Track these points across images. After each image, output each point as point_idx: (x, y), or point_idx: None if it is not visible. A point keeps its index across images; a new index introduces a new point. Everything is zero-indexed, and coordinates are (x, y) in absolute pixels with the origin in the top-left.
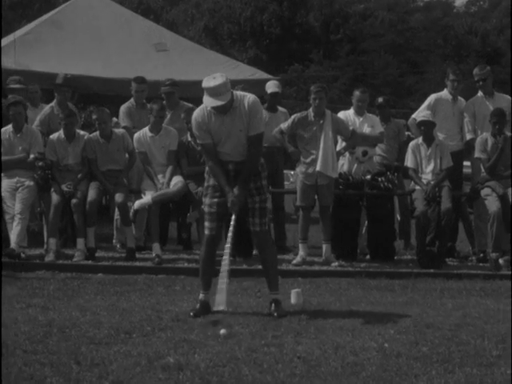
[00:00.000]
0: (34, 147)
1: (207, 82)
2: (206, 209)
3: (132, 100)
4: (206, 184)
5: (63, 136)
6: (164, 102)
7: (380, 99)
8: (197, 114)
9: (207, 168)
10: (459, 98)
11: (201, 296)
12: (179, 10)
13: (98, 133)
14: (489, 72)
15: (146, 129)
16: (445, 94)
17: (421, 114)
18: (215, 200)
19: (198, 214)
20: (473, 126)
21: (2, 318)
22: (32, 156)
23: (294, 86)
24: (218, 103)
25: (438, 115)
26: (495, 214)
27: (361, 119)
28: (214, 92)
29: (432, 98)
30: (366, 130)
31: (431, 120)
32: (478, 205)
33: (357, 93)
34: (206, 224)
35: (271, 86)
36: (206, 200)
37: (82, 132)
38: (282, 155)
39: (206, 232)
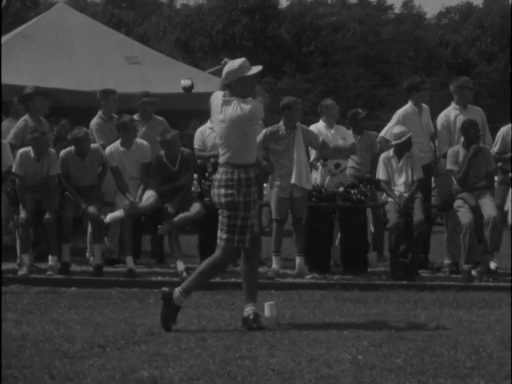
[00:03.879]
0: (4, 159)
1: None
2: (249, 221)
3: (101, 114)
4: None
5: (33, 154)
6: (134, 115)
7: (361, 112)
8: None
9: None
10: (422, 105)
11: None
12: (151, 23)
13: (73, 149)
14: (470, 82)
15: (118, 143)
16: (410, 107)
17: (395, 130)
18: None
19: (169, 226)
20: (448, 137)
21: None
22: (4, 169)
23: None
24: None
25: None
26: (467, 225)
27: (332, 132)
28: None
29: (399, 114)
30: (339, 142)
31: (409, 140)
32: (452, 216)
33: (326, 102)
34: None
35: None
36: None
37: (51, 150)
38: (261, 168)
39: (247, 245)
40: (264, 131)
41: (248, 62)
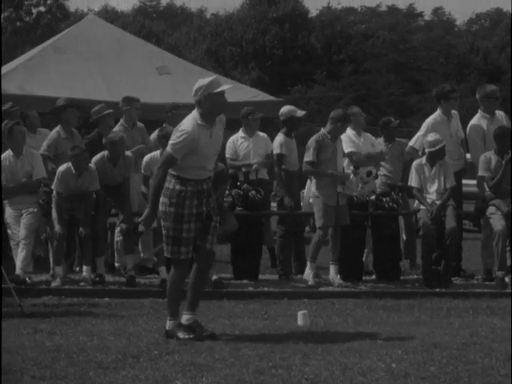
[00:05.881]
0: (36, 170)
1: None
2: (184, 234)
3: (122, 121)
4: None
5: (73, 171)
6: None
7: (394, 121)
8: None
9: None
10: (452, 111)
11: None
12: (181, 33)
13: (106, 155)
14: (497, 91)
15: (158, 153)
16: (439, 115)
17: (430, 138)
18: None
19: None
20: (481, 147)
21: (3, 342)
22: (36, 178)
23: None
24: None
25: None
26: (500, 232)
27: (362, 140)
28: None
29: (428, 122)
30: (370, 149)
31: (443, 149)
32: (487, 224)
33: (353, 110)
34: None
35: (293, 110)
36: (183, 226)
37: (92, 166)
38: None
39: (183, 256)
40: (312, 145)
41: (219, 79)
